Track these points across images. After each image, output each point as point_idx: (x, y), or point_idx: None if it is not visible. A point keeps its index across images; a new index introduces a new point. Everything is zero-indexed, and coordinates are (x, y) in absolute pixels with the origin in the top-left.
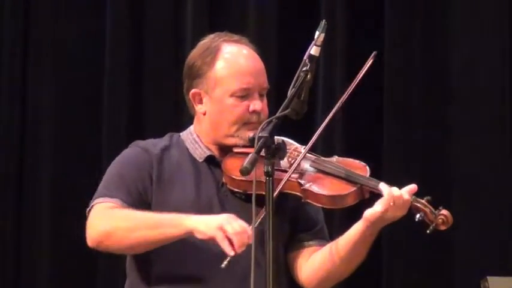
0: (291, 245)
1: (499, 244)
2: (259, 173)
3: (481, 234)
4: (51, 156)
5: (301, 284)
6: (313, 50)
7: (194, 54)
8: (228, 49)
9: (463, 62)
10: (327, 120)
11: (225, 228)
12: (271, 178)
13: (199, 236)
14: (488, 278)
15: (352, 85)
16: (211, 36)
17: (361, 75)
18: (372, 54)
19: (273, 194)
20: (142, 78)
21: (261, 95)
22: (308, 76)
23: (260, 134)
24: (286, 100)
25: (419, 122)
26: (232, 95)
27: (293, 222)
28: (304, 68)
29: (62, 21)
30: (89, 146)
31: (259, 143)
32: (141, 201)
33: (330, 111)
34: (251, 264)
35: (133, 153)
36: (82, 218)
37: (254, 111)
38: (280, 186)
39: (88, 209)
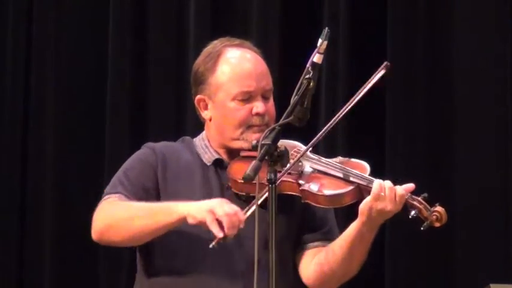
0: (298, 246)
1: (502, 251)
2: (262, 175)
3: (483, 241)
4: (54, 154)
5: (306, 284)
6: (316, 57)
7: (198, 61)
8: (229, 54)
9: (466, 65)
10: (330, 124)
11: (216, 211)
12: (274, 185)
13: (190, 220)
14: (492, 285)
15: (360, 91)
16: (214, 42)
17: (371, 83)
18: (384, 64)
19: (275, 201)
20: (145, 79)
21: (265, 97)
22: (311, 83)
23: (263, 142)
24: (289, 107)
25: (423, 123)
26: (234, 99)
27: (301, 222)
28: (307, 76)
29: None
30: (92, 141)
31: (262, 151)
32: (145, 197)
33: (335, 115)
34: (254, 264)
35: (142, 154)
36: (86, 216)
37: (257, 114)
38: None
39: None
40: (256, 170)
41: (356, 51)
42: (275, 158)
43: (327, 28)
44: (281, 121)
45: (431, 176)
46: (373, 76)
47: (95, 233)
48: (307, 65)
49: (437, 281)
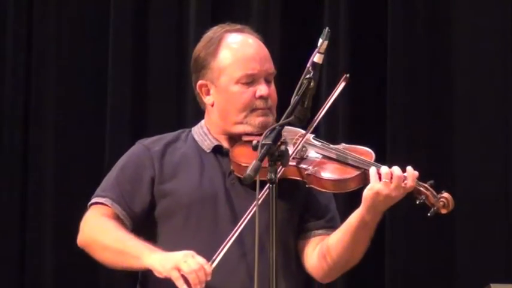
0: (300, 234)
1: (502, 251)
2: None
3: (484, 241)
4: (54, 155)
5: (309, 272)
6: (316, 57)
7: (198, 47)
8: (231, 38)
9: (466, 65)
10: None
11: (180, 267)
12: (274, 185)
13: (156, 274)
14: (492, 285)
15: (325, 104)
16: (214, 28)
17: (333, 97)
18: (343, 77)
19: (276, 200)
20: (146, 75)
21: (268, 81)
22: (311, 83)
23: (263, 142)
24: (290, 107)
25: (424, 119)
26: (237, 82)
27: (303, 210)
28: (307, 76)
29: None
30: (92, 141)
31: (262, 151)
32: (134, 201)
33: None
34: (255, 254)
35: (135, 153)
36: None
37: (261, 97)
38: (281, 171)
39: (89, 204)
40: (257, 170)
41: (356, 51)
42: (275, 157)
43: (327, 28)
44: (281, 121)
45: (431, 176)
46: (335, 89)
47: (79, 243)
48: (308, 65)
49: (438, 281)
